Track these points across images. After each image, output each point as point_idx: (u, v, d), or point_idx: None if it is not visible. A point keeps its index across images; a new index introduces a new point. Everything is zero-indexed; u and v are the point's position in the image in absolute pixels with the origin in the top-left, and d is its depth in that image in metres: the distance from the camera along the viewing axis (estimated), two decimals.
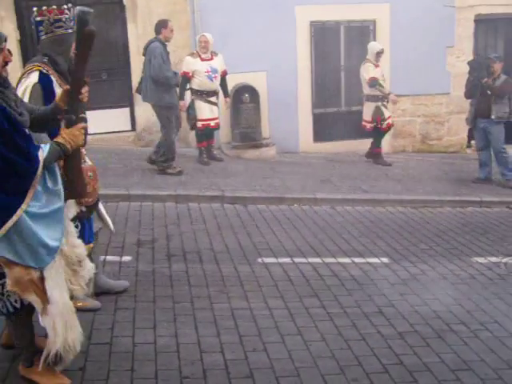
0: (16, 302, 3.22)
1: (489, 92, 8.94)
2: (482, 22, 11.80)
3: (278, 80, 10.48)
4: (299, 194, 8.05)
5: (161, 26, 8.40)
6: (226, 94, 9.55)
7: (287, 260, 5.82)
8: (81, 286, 3.53)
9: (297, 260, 5.82)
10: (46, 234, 3.13)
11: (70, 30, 4.06)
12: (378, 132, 10.14)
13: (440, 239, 6.76)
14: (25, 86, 3.85)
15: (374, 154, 10.33)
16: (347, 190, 8.47)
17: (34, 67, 3.94)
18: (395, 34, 10.89)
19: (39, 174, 3.09)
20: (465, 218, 7.77)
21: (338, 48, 11.21)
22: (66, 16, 4.02)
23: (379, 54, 9.93)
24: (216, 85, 9.25)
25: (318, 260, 5.86)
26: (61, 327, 3.23)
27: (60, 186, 3.30)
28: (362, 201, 8.03)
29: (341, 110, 11.33)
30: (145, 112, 10.07)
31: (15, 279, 3.12)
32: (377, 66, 9.95)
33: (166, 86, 8.31)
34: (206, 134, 9.36)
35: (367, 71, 9.93)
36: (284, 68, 10.59)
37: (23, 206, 3.05)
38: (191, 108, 9.20)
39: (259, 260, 5.78)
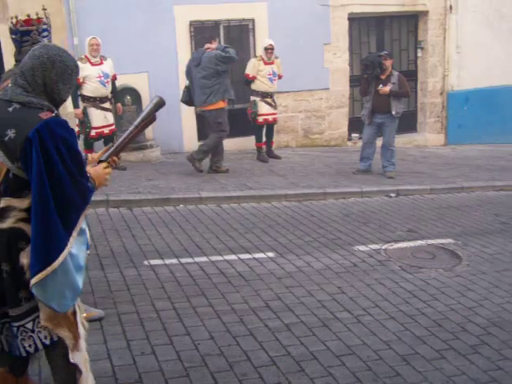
0: (46, 338, 2.92)
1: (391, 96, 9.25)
2: (355, 20, 12.26)
3: (160, 81, 10.38)
4: (184, 194, 8.03)
5: (211, 38, 9.28)
6: (117, 100, 9.40)
7: (174, 261, 5.78)
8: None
9: (183, 260, 5.80)
10: (75, 275, 2.88)
11: (51, 39, 4.02)
12: (255, 126, 10.33)
13: (324, 231, 6.95)
14: None
15: (258, 149, 10.51)
16: (232, 187, 8.52)
17: None
18: (274, 32, 11.07)
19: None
20: (347, 208, 8.04)
21: None
22: (47, 25, 4.14)
23: (267, 49, 10.09)
24: (109, 90, 9.14)
25: (204, 259, 5.87)
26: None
27: (86, 227, 3.12)
28: (247, 197, 8.12)
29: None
30: None
31: (48, 314, 2.84)
32: (268, 63, 10.13)
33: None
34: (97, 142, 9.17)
35: (247, 67, 10.18)
36: (165, 68, 10.52)
37: (71, 239, 2.81)
38: (86, 116, 8.96)
39: (145, 263, 5.71)
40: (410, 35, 13.19)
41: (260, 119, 10.19)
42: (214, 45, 9.16)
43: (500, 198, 8.98)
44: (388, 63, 9.35)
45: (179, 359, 3.99)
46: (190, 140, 11.00)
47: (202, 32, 10.94)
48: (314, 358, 4.09)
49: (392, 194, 8.76)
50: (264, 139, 10.58)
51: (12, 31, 4.27)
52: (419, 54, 13.17)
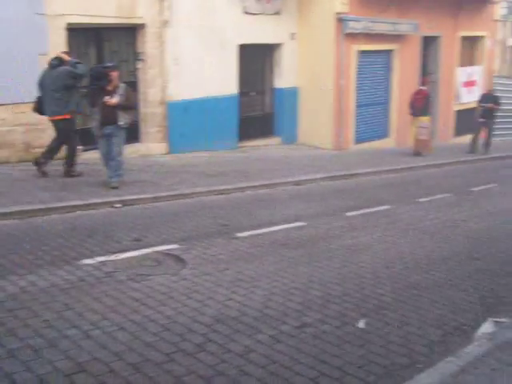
0: None
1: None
2: (74, 30, 12.02)
3: None
4: None
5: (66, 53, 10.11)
6: None
7: None
8: None
9: None
10: None
11: None
12: None
13: (48, 247, 6.70)
14: None
15: None
16: None
17: None
18: None
19: None
20: (72, 222, 7.85)
21: None
22: None
23: None
24: None
25: None
26: None
27: None
28: None
29: None
30: None
31: None
32: None
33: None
34: None
35: None
36: None
37: None
38: None
39: None
40: (130, 47, 13.35)
41: None
42: (67, 58, 9.82)
43: (219, 201, 9.55)
44: (114, 75, 9.41)
45: None
46: None
47: None
48: (41, 381, 3.93)
49: (117, 205, 8.78)
50: None
51: None
52: (139, 66, 13.40)
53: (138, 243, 7.03)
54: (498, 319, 5.31)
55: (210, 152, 13.94)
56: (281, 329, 4.93)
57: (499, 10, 22.22)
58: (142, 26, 13.11)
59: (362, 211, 9.32)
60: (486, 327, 5.12)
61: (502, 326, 5.04)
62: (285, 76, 16.31)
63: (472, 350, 4.52)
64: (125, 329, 4.76)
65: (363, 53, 16.68)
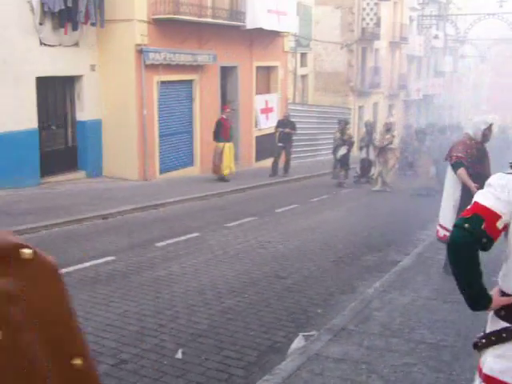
0: None
1: None
2: None
3: None
4: None
5: None
6: None
7: None
8: None
9: None
10: None
11: None
12: None
13: None
14: None
15: None
16: None
17: None
18: None
19: None
20: None
21: None
22: None
23: None
24: None
25: None
26: None
27: None
28: None
29: None
30: None
31: None
32: None
33: None
34: None
35: None
36: None
37: None
38: None
39: None
40: None
41: None
42: None
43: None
44: None
45: None
46: None
47: None
48: None
49: None
50: None
51: None
52: None
53: None
54: (307, 333, 5.62)
55: (9, 190, 13.16)
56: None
57: (288, 43, 23.84)
58: None
59: (171, 240, 9.39)
60: (297, 342, 5.39)
61: (312, 340, 5.34)
62: (87, 108, 15.99)
63: (286, 365, 4.73)
64: None
65: (165, 83, 16.91)
